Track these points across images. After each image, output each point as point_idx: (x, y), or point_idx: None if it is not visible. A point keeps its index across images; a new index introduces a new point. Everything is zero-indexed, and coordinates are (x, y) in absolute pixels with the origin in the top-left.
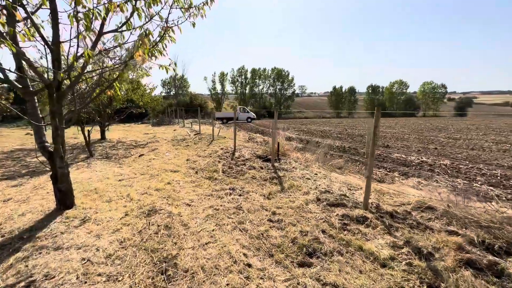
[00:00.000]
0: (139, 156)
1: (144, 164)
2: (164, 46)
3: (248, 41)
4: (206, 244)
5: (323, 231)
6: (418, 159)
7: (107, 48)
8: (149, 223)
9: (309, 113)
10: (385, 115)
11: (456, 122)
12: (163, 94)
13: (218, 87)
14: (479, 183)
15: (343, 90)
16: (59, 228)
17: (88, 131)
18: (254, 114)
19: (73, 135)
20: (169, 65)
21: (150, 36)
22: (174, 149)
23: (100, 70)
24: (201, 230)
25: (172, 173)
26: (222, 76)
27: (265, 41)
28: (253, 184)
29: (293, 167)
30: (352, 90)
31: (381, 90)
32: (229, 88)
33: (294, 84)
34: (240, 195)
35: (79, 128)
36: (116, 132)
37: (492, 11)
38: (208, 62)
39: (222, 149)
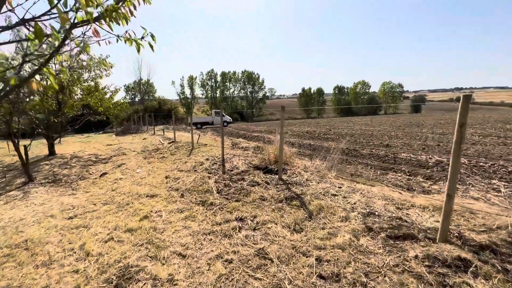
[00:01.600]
0: (101, 175)
1: (108, 187)
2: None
3: (215, 44)
4: None
5: None
6: (430, 158)
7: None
8: None
9: (280, 115)
10: (350, 114)
11: (422, 118)
12: (128, 100)
13: (187, 91)
14: None
15: (312, 92)
16: None
17: (25, 147)
18: (230, 118)
19: (10, 152)
20: (143, 37)
21: None
22: (147, 163)
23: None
24: None
25: (148, 200)
26: (191, 79)
27: (232, 44)
28: (266, 209)
29: (306, 180)
30: (320, 91)
31: (346, 90)
32: (198, 92)
33: (265, 86)
34: (255, 229)
35: (8, 144)
36: (70, 145)
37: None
38: (175, 66)
39: (207, 159)
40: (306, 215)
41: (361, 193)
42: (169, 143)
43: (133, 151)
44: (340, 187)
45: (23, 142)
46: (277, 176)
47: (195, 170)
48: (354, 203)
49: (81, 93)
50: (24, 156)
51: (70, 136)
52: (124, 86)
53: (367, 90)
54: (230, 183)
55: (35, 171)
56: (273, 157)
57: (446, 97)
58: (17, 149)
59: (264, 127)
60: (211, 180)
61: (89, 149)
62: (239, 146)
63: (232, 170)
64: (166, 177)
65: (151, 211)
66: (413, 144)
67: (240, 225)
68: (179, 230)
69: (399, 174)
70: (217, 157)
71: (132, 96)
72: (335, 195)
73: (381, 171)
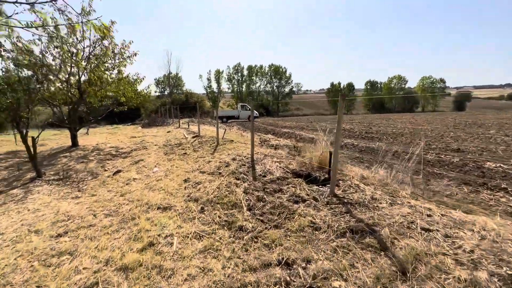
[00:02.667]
0: (114, 173)
1: (117, 189)
2: None
3: (242, 40)
4: None
5: None
6: None
7: None
8: None
9: (307, 110)
10: (382, 111)
11: (473, 117)
12: (157, 93)
13: (214, 85)
14: None
15: (342, 87)
16: None
17: (33, 138)
18: (257, 112)
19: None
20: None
21: None
22: (167, 160)
23: None
24: None
25: (159, 213)
26: (218, 73)
27: (256, 39)
28: (323, 247)
29: (372, 198)
30: (350, 86)
31: (379, 85)
32: (225, 86)
33: (292, 81)
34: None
35: (14, 133)
36: (97, 136)
37: (484, 9)
38: (203, 60)
39: (234, 159)
40: (395, 269)
41: (472, 229)
42: (193, 137)
43: (155, 145)
44: (429, 215)
45: (44, 134)
46: (327, 189)
47: (220, 173)
48: (471, 251)
49: (102, 81)
50: (32, 149)
51: (100, 127)
52: (154, 79)
53: (403, 85)
54: (265, 196)
55: (51, 164)
56: (318, 161)
57: (496, 94)
58: (24, 141)
59: (292, 122)
60: (239, 189)
61: (113, 141)
62: (269, 143)
63: (264, 176)
64: (185, 180)
65: (159, 235)
66: (493, 149)
67: (288, 277)
68: (195, 277)
69: (500, 194)
70: (244, 156)
71: (162, 90)
72: (429, 229)
73: (467, 186)
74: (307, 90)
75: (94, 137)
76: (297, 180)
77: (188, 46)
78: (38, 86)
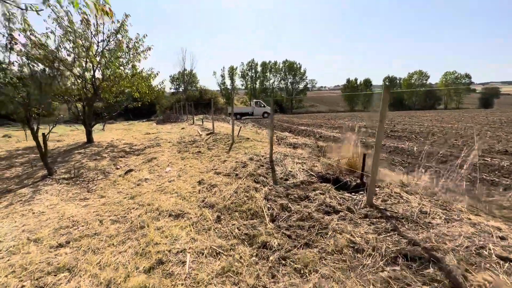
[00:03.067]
0: (126, 173)
1: (127, 191)
2: None
3: (253, 37)
4: None
5: None
6: None
7: None
8: None
9: (322, 107)
10: (401, 108)
11: (505, 115)
12: (172, 90)
13: (228, 82)
14: None
15: (358, 83)
16: None
17: (44, 135)
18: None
19: (60, 135)
20: None
21: None
22: (180, 159)
23: None
24: None
25: (171, 222)
26: (232, 70)
27: (273, 34)
28: (370, 277)
29: (420, 212)
30: (367, 83)
31: (398, 82)
32: (238, 82)
33: (306, 77)
34: None
35: (25, 128)
36: (112, 132)
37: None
38: (217, 56)
39: (251, 159)
40: None
41: None
42: (208, 134)
43: (169, 142)
44: (502, 237)
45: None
46: (362, 197)
47: (236, 175)
48: None
49: (116, 76)
50: (42, 146)
51: (117, 123)
52: (170, 76)
53: (424, 81)
54: (289, 204)
55: (65, 161)
56: (347, 164)
57: None
58: (35, 137)
59: (308, 119)
60: (260, 194)
61: (127, 137)
62: (287, 142)
63: (286, 179)
64: (199, 182)
65: (170, 251)
66: None
67: None
68: None
69: None
70: (262, 156)
71: (177, 87)
72: (508, 258)
73: None
74: (321, 87)
75: (110, 133)
76: (325, 186)
77: (204, 43)
78: (51, 81)
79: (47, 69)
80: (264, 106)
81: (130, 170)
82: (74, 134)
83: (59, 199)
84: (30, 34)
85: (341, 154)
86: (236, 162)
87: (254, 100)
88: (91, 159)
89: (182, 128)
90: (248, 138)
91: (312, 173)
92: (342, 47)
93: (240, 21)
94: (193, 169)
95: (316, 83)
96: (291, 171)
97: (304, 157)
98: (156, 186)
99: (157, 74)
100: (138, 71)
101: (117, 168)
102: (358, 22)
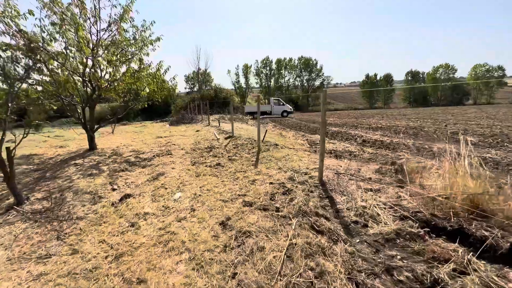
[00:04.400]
0: (121, 199)
1: (114, 238)
2: None
3: (267, 33)
4: None
5: None
6: None
7: None
8: None
9: (338, 104)
10: (425, 105)
11: None
12: (187, 90)
13: (242, 80)
14: None
15: (378, 78)
16: None
17: (8, 150)
18: (290, 107)
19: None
20: None
21: None
22: (194, 175)
23: None
24: None
25: None
26: (246, 68)
27: (287, 31)
28: None
29: None
30: (388, 78)
31: (422, 76)
32: (253, 80)
33: (323, 73)
34: None
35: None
36: (122, 135)
37: None
38: (231, 55)
39: (291, 178)
40: None
41: None
42: (226, 138)
43: (182, 148)
44: None
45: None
46: None
47: (278, 210)
48: None
49: (116, 70)
50: (7, 164)
51: (130, 125)
52: (184, 76)
53: (450, 75)
54: None
55: (52, 177)
56: (471, 200)
57: None
58: None
59: (333, 118)
60: (334, 264)
61: (136, 142)
62: (327, 149)
63: (365, 225)
64: (224, 225)
65: None
66: None
67: None
68: None
69: None
70: (304, 172)
71: (191, 86)
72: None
73: None
74: (337, 83)
75: (119, 136)
76: (447, 246)
77: (220, 40)
78: (25, 74)
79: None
80: (283, 104)
81: (128, 196)
82: (81, 138)
83: (5, 257)
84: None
85: (445, 182)
86: (272, 184)
87: (273, 98)
88: (86, 174)
89: (197, 131)
90: (276, 145)
91: (404, 212)
92: (361, 40)
93: (254, 17)
94: (213, 194)
95: (331, 80)
96: (365, 207)
97: (370, 178)
98: (158, 230)
99: (168, 68)
100: (145, 65)
101: (113, 189)
102: (378, 11)
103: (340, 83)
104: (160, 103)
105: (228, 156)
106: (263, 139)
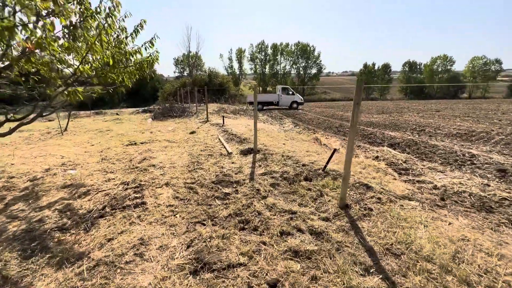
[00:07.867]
0: None
1: None
2: None
3: (262, 19)
4: None
5: None
6: None
7: None
8: None
9: (334, 94)
10: (421, 97)
11: None
12: (176, 74)
13: (235, 65)
14: None
15: (376, 68)
16: None
17: None
18: (301, 97)
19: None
20: None
21: None
22: None
23: None
24: None
25: None
26: (240, 52)
27: (274, 20)
28: None
29: None
30: (386, 68)
31: (419, 67)
32: (247, 66)
33: (320, 61)
34: None
35: None
36: (76, 137)
37: None
38: (224, 37)
39: None
40: None
41: None
42: (243, 153)
43: (165, 183)
44: None
45: None
46: None
47: None
48: None
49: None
50: None
51: (100, 116)
52: (173, 59)
53: (448, 67)
54: None
55: None
56: None
57: None
58: None
59: (340, 111)
60: None
61: (94, 153)
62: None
63: None
64: None
65: None
66: None
67: None
68: None
69: None
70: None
71: (181, 70)
72: None
73: None
74: (329, 72)
75: (68, 141)
76: None
77: (211, 21)
78: None
79: None
80: (292, 94)
81: None
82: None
83: None
84: None
85: None
86: None
87: (281, 86)
88: None
89: (192, 133)
90: (368, 187)
91: None
92: (355, 29)
93: (251, 13)
94: None
95: (324, 68)
96: None
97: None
98: None
99: (141, 26)
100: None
101: None
102: (378, 12)
103: (332, 72)
104: (139, 87)
105: (275, 228)
106: (326, 166)
